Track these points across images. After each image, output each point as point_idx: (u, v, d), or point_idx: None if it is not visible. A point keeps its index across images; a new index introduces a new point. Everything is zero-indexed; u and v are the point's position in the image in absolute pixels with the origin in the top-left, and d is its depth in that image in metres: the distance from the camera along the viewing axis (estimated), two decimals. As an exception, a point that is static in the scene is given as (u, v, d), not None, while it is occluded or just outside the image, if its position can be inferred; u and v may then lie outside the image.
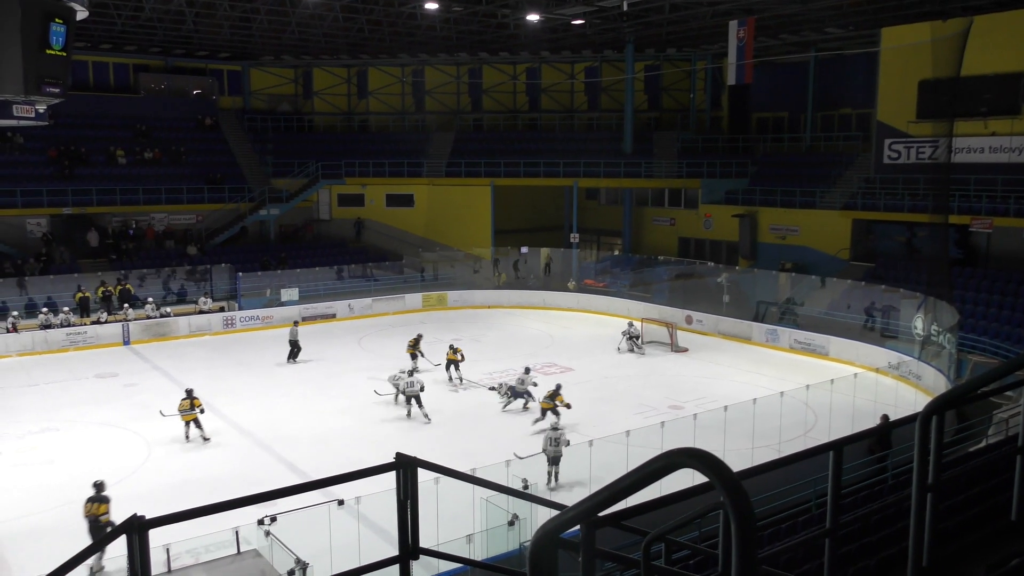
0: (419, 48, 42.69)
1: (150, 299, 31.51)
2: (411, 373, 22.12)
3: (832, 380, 20.81)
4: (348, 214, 42.94)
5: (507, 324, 33.81)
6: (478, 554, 12.58)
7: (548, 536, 2.73)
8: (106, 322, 30.13)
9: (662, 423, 16.79)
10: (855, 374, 22.56)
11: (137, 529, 3.24)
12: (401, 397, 21.99)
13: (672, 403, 22.60)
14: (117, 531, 3.24)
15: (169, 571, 10.24)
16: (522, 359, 27.20)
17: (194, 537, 13.62)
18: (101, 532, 13.32)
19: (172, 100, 43.52)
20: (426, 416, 21.23)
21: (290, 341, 27.76)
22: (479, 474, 9.74)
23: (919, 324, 26.01)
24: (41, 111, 12.80)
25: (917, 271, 28.89)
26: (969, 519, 6.44)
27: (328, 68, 46.89)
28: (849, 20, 33.93)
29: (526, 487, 14.10)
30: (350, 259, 38.85)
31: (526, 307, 36.68)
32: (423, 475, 4.05)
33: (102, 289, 31.48)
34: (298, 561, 11.78)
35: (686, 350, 29.24)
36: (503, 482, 12.40)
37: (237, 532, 11.85)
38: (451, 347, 25.22)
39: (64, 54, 11.30)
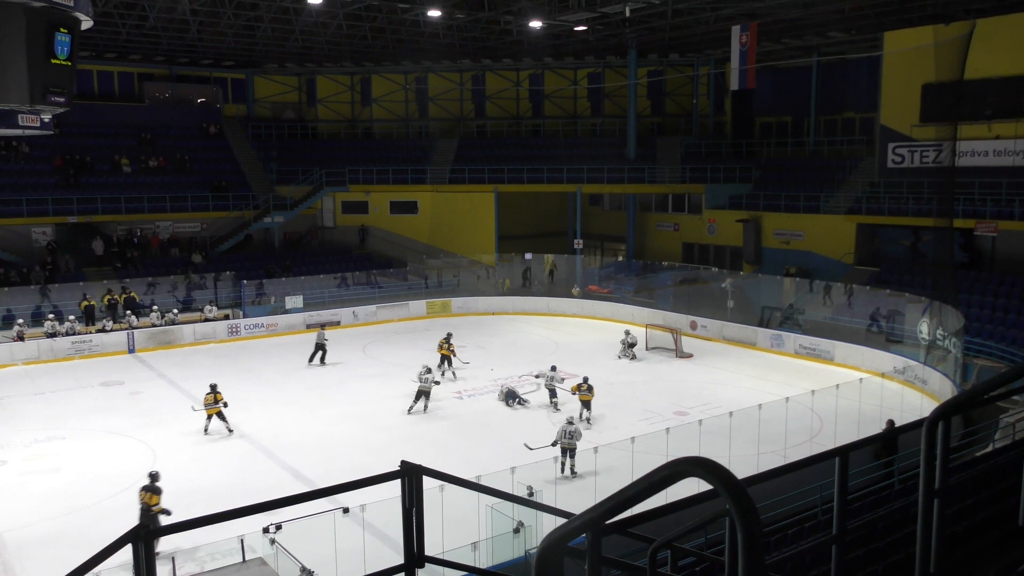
0: (422, 55, 42.81)
1: (155, 307, 31.59)
2: (429, 370, 22.97)
3: (838, 385, 20.76)
4: (352, 221, 43.00)
5: (511, 331, 33.80)
6: (483, 562, 12.56)
7: (555, 545, 2.73)
8: (111, 330, 30.19)
9: (667, 429, 16.74)
10: (860, 379, 22.51)
11: (143, 538, 3.24)
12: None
13: (677, 409, 22.56)
14: (122, 540, 3.24)
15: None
16: (526, 365, 27.27)
17: (200, 546, 13.63)
18: (153, 521, 14.08)
19: (177, 108, 43.68)
20: (425, 408, 22.45)
21: (317, 344, 28.21)
22: (484, 481, 9.73)
23: (924, 328, 25.94)
24: (46, 120, 12.83)
25: (922, 275, 28.85)
26: (977, 524, 6.41)
27: (332, 75, 47.03)
28: (852, 24, 33.95)
29: (531, 494, 14.07)
30: (354, 266, 38.88)
31: (530, 313, 36.68)
32: (428, 482, 4.04)
33: (108, 297, 31.55)
34: (303, 569, 11.77)
35: (691, 356, 29.19)
36: (508, 489, 12.38)
37: (242, 540, 11.86)
38: (446, 338, 26.61)
39: (69, 63, 11.34)
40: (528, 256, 40.32)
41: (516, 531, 13.09)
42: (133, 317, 30.67)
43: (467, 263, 40.66)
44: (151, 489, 14.60)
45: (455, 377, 25.99)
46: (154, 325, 31.07)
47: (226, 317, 32.97)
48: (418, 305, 36.86)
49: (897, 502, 9.93)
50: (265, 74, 46.49)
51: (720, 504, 2.41)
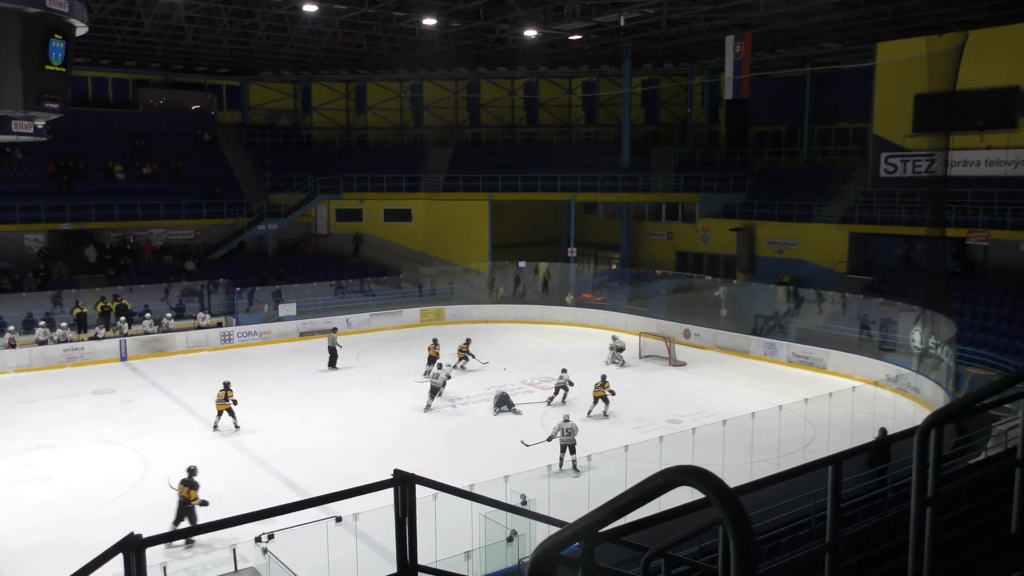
0: (417, 63, 42.88)
1: (148, 314, 31.48)
2: (440, 366, 24.20)
3: (831, 393, 20.80)
4: (346, 229, 42.98)
5: (505, 339, 33.77)
6: (477, 570, 12.54)
7: (547, 554, 2.72)
8: (104, 338, 30.07)
9: (661, 438, 16.75)
10: (853, 387, 22.56)
11: (134, 547, 3.22)
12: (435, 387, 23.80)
13: (671, 417, 22.56)
14: (113, 550, 3.22)
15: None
16: (521, 373, 27.31)
17: (191, 555, 13.58)
18: (190, 514, 14.71)
19: (171, 115, 43.62)
20: (428, 407, 23.40)
21: (329, 348, 28.60)
22: (477, 490, 9.72)
23: (917, 337, 26.01)
24: (40, 126, 12.81)
25: (915, 284, 28.93)
26: (970, 532, 6.42)
27: (327, 83, 47.07)
28: (845, 35, 34.13)
29: (524, 503, 14.04)
30: (348, 274, 38.85)
31: (524, 321, 36.66)
32: (421, 491, 4.04)
33: (101, 304, 31.44)
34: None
35: (684, 364, 29.21)
36: (501, 498, 12.35)
37: (235, 550, 11.81)
38: (433, 341, 27.73)
39: (63, 70, 11.34)
40: (522, 264, 40.34)
41: (509, 540, 13.06)
42: (125, 324, 30.57)
43: (461, 271, 40.66)
44: (189, 483, 14.97)
45: (464, 369, 27.55)
46: (147, 332, 30.97)
47: (219, 325, 32.88)
48: (412, 313, 36.82)
49: (890, 510, 9.94)
50: (260, 81, 46.51)
51: (713, 512, 2.41)
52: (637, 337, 31.01)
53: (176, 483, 15.57)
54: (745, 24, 31.54)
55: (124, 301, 31.97)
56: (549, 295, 39.62)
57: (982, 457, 15.56)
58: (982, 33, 29.95)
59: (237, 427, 21.59)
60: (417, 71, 45.32)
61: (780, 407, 19.44)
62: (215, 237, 38.80)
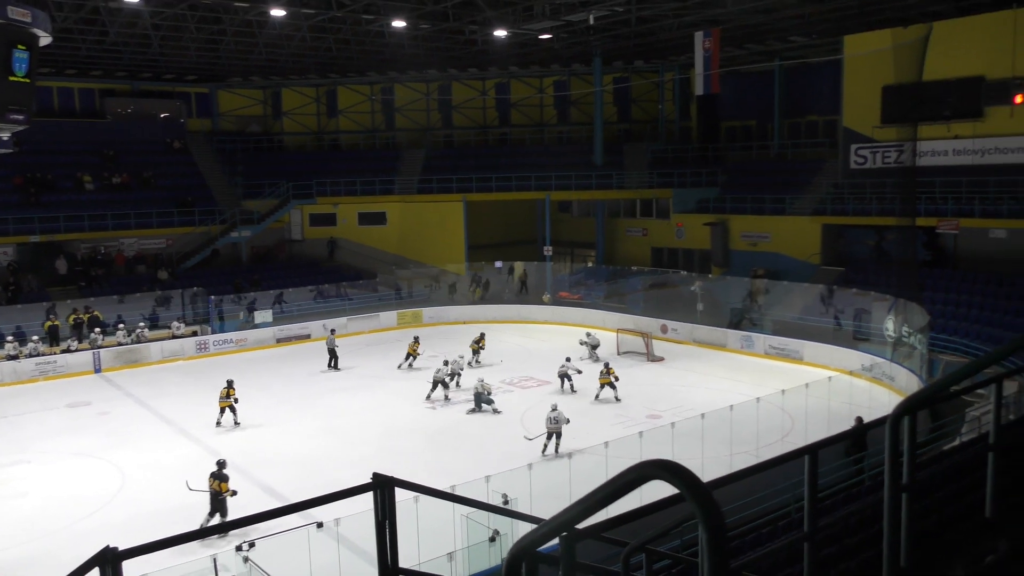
0: (388, 66, 42.74)
1: (122, 325, 31.13)
2: (446, 363, 25.03)
3: (807, 384, 20.99)
4: (321, 234, 42.72)
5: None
6: (460, 572, 12.52)
7: (523, 552, 2.73)
8: (76, 350, 29.69)
9: (640, 433, 16.82)
10: (829, 377, 22.79)
11: (110, 561, 3.19)
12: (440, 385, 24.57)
13: (650, 412, 22.66)
14: (89, 564, 3.19)
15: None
16: (500, 373, 27.28)
17: (171, 567, 13.43)
18: (221, 505, 15.49)
19: (140, 124, 43.13)
20: (428, 399, 24.29)
21: (328, 349, 29.11)
22: (458, 491, 9.70)
23: (890, 326, 26.31)
24: (5, 138, 12.62)
25: (887, 274, 29.27)
26: (945, 518, 6.51)
27: (297, 88, 46.79)
28: (813, 28, 34.42)
29: (506, 502, 14.04)
30: (324, 279, 38.61)
31: (502, 321, 36.65)
32: (402, 494, 4.03)
33: (73, 316, 31.05)
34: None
35: (662, 359, 29.35)
36: (483, 498, 12.36)
37: (215, 560, 11.72)
38: (415, 339, 29.08)
39: (28, 80, 11.17)
40: (498, 264, 40.35)
41: (492, 540, 13.06)
42: (99, 336, 30.19)
43: (437, 273, 40.58)
44: (219, 476, 15.67)
45: (478, 363, 28.60)
46: (120, 344, 30.62)
47: (194, 334, 32.58)
48: (389, 316, 36.72)
49: (868, 498, 10.04)
50: (229, 88, 46.14)
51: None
52: (615, 334, 31.11)
53: (195, 484, 16.15)
54: (713, 20, 31.73)
55: (96, 312, 31.58)
56: (527, 294, 39.65)
57: (956, 443, 15.76)
58: (946, 24, 30.35)
59: (237, 423, 22.53)
60: (388, 74, 45.17)
61: (758, 399, 19.59)
62: (188, 246, 38.43)
